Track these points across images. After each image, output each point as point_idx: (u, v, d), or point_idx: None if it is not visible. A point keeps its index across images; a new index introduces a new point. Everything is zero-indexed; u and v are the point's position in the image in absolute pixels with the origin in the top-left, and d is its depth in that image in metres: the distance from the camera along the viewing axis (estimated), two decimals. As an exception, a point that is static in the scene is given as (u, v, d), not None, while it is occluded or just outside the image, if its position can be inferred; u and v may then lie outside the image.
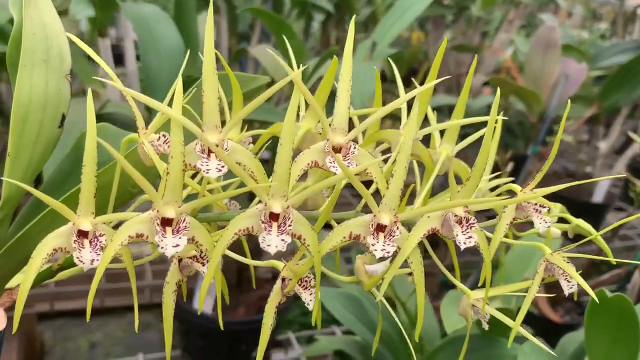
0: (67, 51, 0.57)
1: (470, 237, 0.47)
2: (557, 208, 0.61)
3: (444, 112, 2.77)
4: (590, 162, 2.88)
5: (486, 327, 0.58)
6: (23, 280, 0.47)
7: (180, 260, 0.53)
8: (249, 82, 0.72)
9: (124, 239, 0.46)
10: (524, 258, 1.10)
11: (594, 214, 2.74)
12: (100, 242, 0.48)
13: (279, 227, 0.45)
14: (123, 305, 2.35)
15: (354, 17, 0.52)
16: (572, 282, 0.52)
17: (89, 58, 1.59)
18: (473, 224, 0.47)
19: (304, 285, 0.51)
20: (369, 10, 2.81)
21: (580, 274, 1.58)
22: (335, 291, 1.04)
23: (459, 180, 0.64)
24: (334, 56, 0.53)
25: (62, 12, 1.96)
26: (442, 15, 3.61)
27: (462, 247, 0.47)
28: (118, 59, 1.74)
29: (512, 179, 0.65)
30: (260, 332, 0.51)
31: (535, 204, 0.52)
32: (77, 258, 0.47)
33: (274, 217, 0.45)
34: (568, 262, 0.52)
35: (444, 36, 3.59)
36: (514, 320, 1.03)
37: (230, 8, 2.29)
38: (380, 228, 0.46)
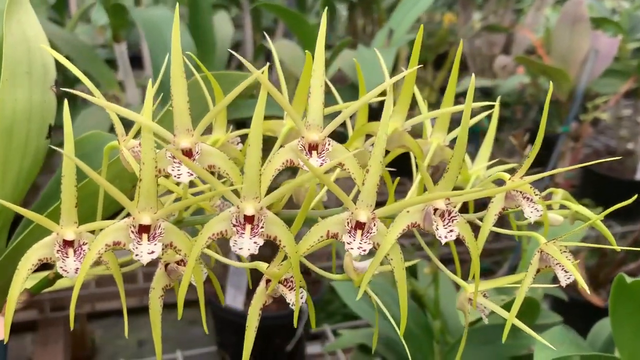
0: (52, 63, 0.58)
1: (451, 230, 0.45)
2: (559, 194, 0.58)
3: (475, 94, 2.71)
4: (632, 138, 2.77)
5: (486, 321, 0.56)
6: (10, 291, 0.48)
7: (166, 265, 0.53)
8: (240, 80, 0.71)
9: (100, 248, 0.46)
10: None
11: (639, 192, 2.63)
12: (84, 250, 0.48)
13: (252, 229, 0.44)
14: (167, 302, 2.40)
15: (325, 9, 0.50)
16: (570, 272, 0.49)
17: (109, 63, 1.62)
18: (455, 216, 0.45)
19: (288, 286, 0.50)
20: (394, -4, 2.77)
21: (622, 255, 1.50)
22: (352, 284, 1.03)
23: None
24: (307, 52, 0.51)
25: (87, 21, 2.01)
26: (472, -5, 3.52)
27: (443, 241, 0.45)
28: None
29: (511, 166, 0.63)
30: (245, 335, 0.50)
31: (523, 193, 0.49)
32: (61, 267, 0.48)
33: (248, 219, 0.44)
34: (565, 251, 0.50)
35: (473, 16, 3.50)
36: (538, 309, 1.00)
37: (252, 2, 2.28)
38: (359, 225, 0.45)
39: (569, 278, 0.49)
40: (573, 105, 1.63)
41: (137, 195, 0.46)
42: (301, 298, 0.50)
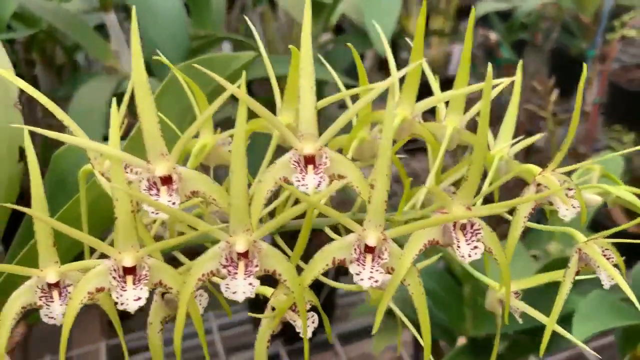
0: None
1: (475, 247, 0.39)
2: (597, 171, 0.51)
3: (491, 21, 2.55)
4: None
5: (520, 321, 0.51)
6: (-4, 344, 0.44)
7: (163, 295, 0.48)
8: (229, 62, 0.64)
9: (83, 297, 0.41)
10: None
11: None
12: (69, 292, 0.44)
13: (246, 267, 0.39)
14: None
15: None
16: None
17: (99, 30, 1.53)
18: (479, 230, 0.39)
19: (298, 311, 0.45)
20: None
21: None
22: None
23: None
24: (292, 47, 0.44)
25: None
26: None
27: (467, 260, 0.39)
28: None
29: (536, 139, 0.55)
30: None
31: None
32: (46, 315, 0.43)
33: (241, 256, 0.39)
34: (607, 250, 0.44)
35: None
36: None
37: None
38: (368, 249, 0.39)
39: (612, 279, 0.43)
40: (599, 27, 1.50)
41: (115, 234, 0.41)
42: (312, 322, 0.45)
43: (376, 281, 0.38)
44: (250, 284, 0.38)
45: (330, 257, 0.40)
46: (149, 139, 0.40)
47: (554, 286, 0.91)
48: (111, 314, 0.47)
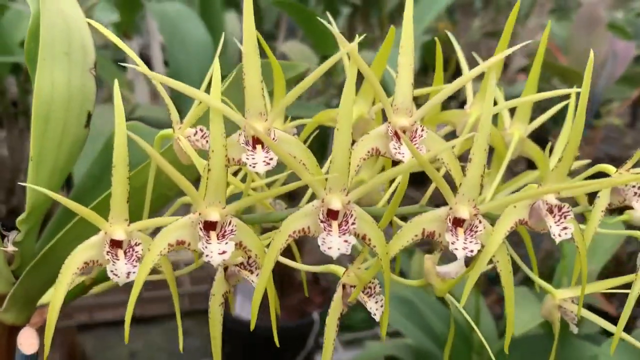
0: (90, 43, 0.52)
1: (565, 227, 0.40)
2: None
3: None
4: (636, 146, 2.75)
5: (575, 330, 0.51)
6: (52, 299, 0.42)
7: (225, 269, 0.47)
8: (286, 70, 0.66)
9: (163, 248, 0.40)
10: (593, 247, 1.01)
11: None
12: (136, 252, 0.42)
13: (339, 225, 0.38)
14: (163, 313, 2.31)
15: None
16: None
17: (117, 64, 1.55)
18: (567, 212, 0.40)
19: (368, 293, 0.44)
20: (397, 1, 2.73)
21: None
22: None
23: (530, 165, 0.57)
24: (391, 26, 0.46)
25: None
26: (471, 3, 3.52)
27: (557, 239, 0.39)
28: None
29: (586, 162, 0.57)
30: (323, 348, 0.45)
31: (635, 186, 0.44)
32: (112, 272, 0.41)
33: (332, 214, 0.39)
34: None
35: (473, 24, 3.49)
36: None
37: (254, 3, 2.23)
38: (457, 222, 0.40)
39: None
40: (590, 110, 1.59)
41: (204, 188, 0.40)
42: (381, 306, 0.45)
43: (471, 251, 0.38)
44: (345, 240, 0.38)
45: (420, 227, 0.40)
46: (250, 96, 0.41)
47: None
48: (170, 279, 0.46)
